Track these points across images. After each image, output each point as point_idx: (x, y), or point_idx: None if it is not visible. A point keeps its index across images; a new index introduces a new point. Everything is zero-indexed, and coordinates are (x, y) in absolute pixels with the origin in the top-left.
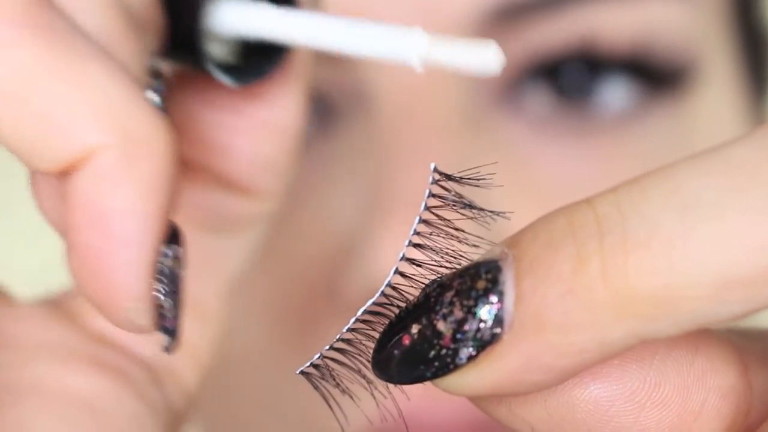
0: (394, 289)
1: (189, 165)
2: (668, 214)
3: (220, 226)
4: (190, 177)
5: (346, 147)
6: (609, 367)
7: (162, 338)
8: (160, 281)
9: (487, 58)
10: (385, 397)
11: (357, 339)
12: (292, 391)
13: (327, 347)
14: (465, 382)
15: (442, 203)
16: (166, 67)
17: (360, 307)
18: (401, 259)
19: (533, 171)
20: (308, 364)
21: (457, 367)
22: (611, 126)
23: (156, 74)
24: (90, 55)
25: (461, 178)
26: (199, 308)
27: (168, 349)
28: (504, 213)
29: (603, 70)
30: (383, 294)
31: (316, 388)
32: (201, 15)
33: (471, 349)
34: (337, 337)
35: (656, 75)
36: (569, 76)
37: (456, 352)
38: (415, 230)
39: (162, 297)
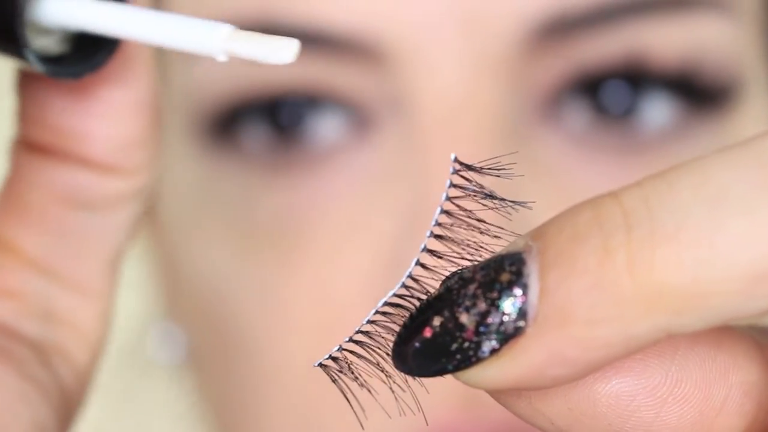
0: (415, 281)
1: (49, 149)
2: (697, 208)
3: (91, 205)
4: (55, 161)
5: (383, 158)
6: (631, 361)
7: None
8: None
9: (281, 50)
10: (404, 390)
11: (377, 332)
12: (329, 403)
13: (347, 339)
14: (487, 375)
15: (463, 194)
16: None
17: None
18: (422, 250)
19: (570, 185)
20: (327, 356)
21: (479, 360)
22: (652, 144)
23: None
24: None
25: (482, 168)
26: (81, 286)
27: None
28: (525, 203)
29: (648, 88)
30: (404, 286)
31: (334, 381)
32: (22, 7)
33: (494, 342)
34: (357, 329)
35: (702, 94)
36: (612, 93)
37: (479, 345)
38: (436, 221)
39: None
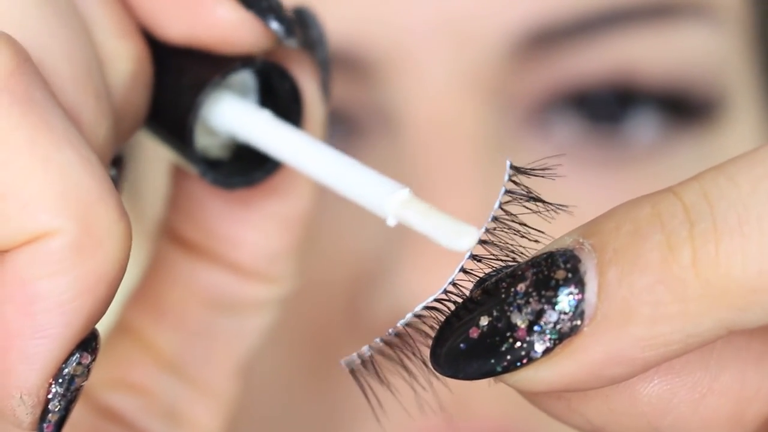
0: (454, 285)
1: (198, 250)
2: (758, 200)
3: (230, 309)
4: (201, 261)
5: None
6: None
7: None
8: (57, 383)
9: (459, 235)
10: (426, 390)
11: (406, 332)
12: (311, 418)
13: (378, 339)
14: (538, 377)
15: (510, 198)
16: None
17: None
18: (468, 257)
19: (557, 196)
20: (355, 355)
21: (531, 360)
22: (639, 157)
23: (116, 161)
24: (66, 137)
25: (529, 170)
26: (210, 388)
27: None
28: (567, 206)
29: (636, 103)
30: (444, 291)
31: (356, 380)
32: (197, 108)
33: (547, 343)
34: (391, 330)
35: (689, 108)
36: (600, 106)
37: (531, 345)
38: (486, 228)
39: (52, 399)
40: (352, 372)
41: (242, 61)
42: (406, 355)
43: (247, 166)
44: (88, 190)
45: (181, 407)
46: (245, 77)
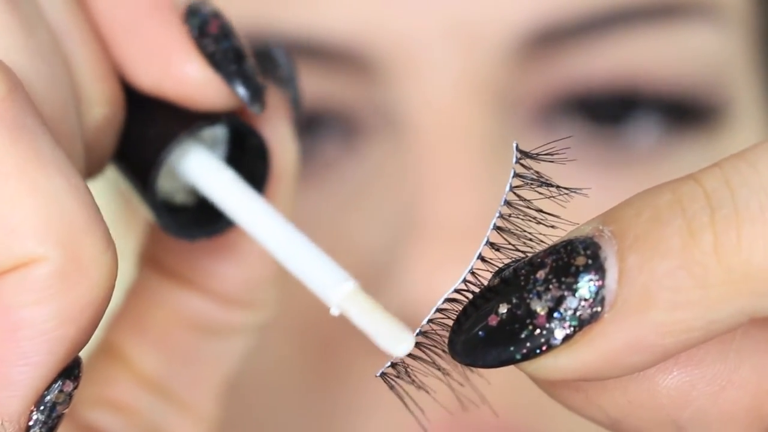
0: (473, 274)
1: (179, 278)
2: None
3: (211, 333)
4: (182, 287)
5: (373, 167)
6: (691, 349)
7: None
8: (39, 410)
9: (396, 341)
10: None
11: (432, 330)
12: (316, 419)
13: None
14: (557, 364)
15: (522, 182)
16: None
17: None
18: (485, 243)
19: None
20: (388, 364)
21: (550, 347)
22: (642, 159)
23: None
24: (55, 164)
25: (538, 154)
26: (191, 409)
27: None
28: (581, 189)
29: (639, 105)
30: (464, 281)
31: (391, 387)
32: (160, 164)
33: (567, 330)
34: (417, 330)
35: (693, 111)
36: (603, 107)
37: (551, 331)
38: (499, 213)
39: (33, 426)
40: (387, 382)
41: (210, 118)
42: (436, 353)
43: (210, 214)
44: (75, 217)
45: (163, 427)
46: (216, 129)
